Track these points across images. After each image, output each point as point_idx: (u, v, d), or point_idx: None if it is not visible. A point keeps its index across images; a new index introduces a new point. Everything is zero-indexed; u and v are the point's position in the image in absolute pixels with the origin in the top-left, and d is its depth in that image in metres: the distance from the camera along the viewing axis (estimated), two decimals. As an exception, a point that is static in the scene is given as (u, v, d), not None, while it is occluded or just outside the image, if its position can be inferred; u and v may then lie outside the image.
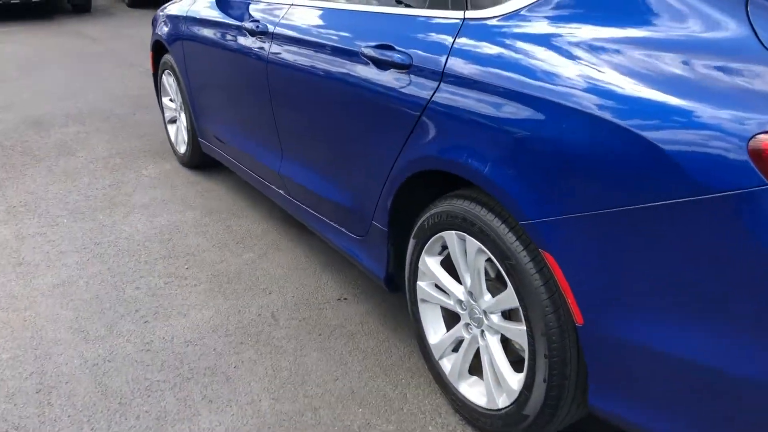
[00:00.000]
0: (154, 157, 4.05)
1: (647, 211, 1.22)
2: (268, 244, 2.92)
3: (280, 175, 2.59)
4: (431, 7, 1.77)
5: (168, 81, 3.78)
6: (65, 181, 3.70)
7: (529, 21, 1.48)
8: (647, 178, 1.21)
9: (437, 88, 1.64)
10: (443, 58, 1.64)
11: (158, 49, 3.80)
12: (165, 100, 3.93)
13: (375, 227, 2.04)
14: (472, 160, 1.55)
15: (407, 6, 1.87)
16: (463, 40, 1.61)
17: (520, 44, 1.47)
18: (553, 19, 1.44)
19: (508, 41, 1.50)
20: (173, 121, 3.93)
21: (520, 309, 1.55)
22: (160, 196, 3.47)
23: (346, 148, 2.09)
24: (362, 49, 1.90)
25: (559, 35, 1.41)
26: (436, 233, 1.77)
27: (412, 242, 1.89)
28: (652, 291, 1.26)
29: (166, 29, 3.54)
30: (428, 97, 1.67)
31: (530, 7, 1.50)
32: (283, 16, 2.38)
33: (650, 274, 1.25)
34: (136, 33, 8.65)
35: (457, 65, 1.59)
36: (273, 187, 2.73)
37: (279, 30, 2.36)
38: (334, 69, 2.04)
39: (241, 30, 2.63)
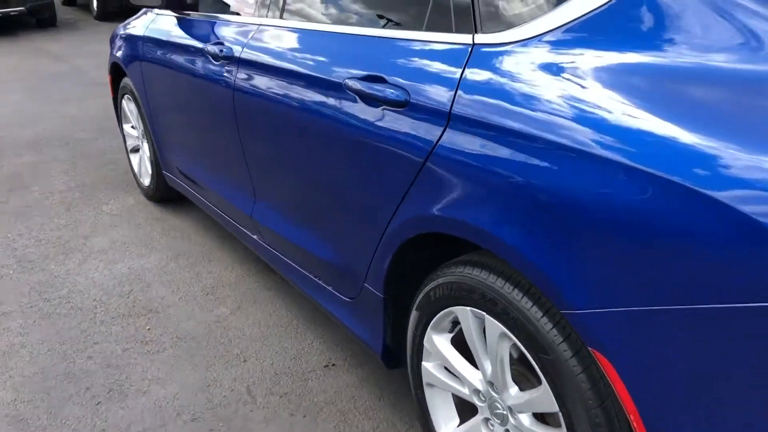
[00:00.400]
0: (116, 190, 3.67)
1: (745, 312, 0.89)
2: (242, 294, 2.56)
3: (252, 219, 2.24)
4: (431, 29, 1.43)
5: (128, 107, 3.41)
6: (15, 221, 3.31)
7: (557, 48, 1.15)
8: (744, 267, 0.88)
9: (443, 132, 1.31)
10: (450, 95, 1.30)
11: (117, 71, 3.43)
12: (126, 127, 3.56)
13: (368, 290, 1.70)
14: (493, 226, 1.21)
15: (400, 28, 1.53)
16: (474, 72, 1.27)
17: (548, 78, 1.14)
18: (590, 46, 1.11)
19: (532, 74, 1.17)
20: (136, 150, 3.56)
21: (560, 414, 1.21)
22: (121, 237, 3.09)
23: (329, 197, 1.75)
24: (346, 80, 1.56)
25: (602, 67, 1.08)
26: (446, 307, 1.43)
27: (414, 314, 1.55)
28: (755, 414, 0.93)
29: (123, 50, 3.18)
30: (432, 144, 1.33)
31: (557, 31, 1.17)
32: (250, 39, 2.03)
33: (750, 393, 0.92)
34: (103, 49, 8.20)
35: (468, 104, 1.26)
36: (246, 231, 2.38)
37: (246, 55, 2.01)
38: (311, 103, 1.70)
39: (204, 54, 2.28)
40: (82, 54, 7.99)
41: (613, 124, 1.02)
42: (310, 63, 1.73)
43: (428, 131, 1.34)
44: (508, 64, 1.22)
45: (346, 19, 1.72)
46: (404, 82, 1.41)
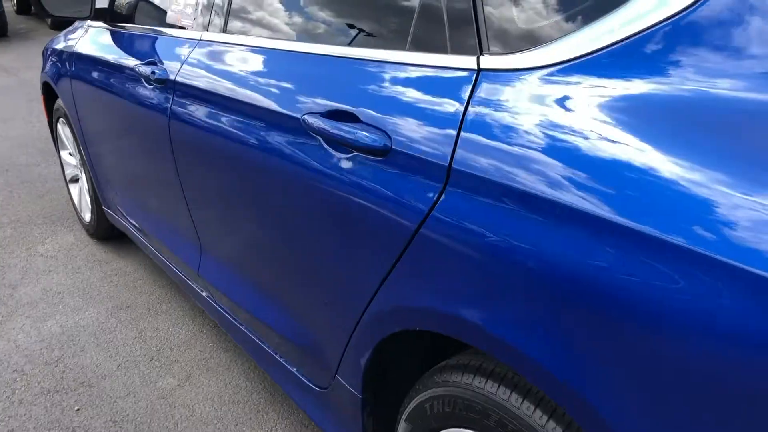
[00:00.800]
0: (55, 226, 3.23)
1: None
2: (193, 359, 2.15)
3: (199, 276, 1.84)
4: (417, 47, 1.05)
5: (64, 132, 2.98)
6: (-68, 268, 2.86)
7: (603, 79, 0.79)
8: None
9: (440, 194, 0.93)
10: (449, 141, 0.92)
11: (50, 91, 3.00)
12: (64, 154, 3.13)
13: (341, 384, 1.31)
14: (511, 332, 0.84)
15: (376, 46, 1.15)
16: (481, 109, 0.90)
17: (591, 124, 0.77)
18: (646, 75, 0.75)
19: (567, 117, 0.80)
20: (75, 180, 3.13)
21: None
22: (56, 285, 2.66)
23: (285, 262, 1.36)
24: (305, 116, 1.17)
25: (672, 110, 0.71)
26: (448, 428, 1.05)
27: (405, 427, 1.16)
28: None
29: (53, 68, 2.75)
30: (424, 211, 0.95)
31: (600, 56, 0.80)
32: (188, 58, 1.63)
33: None
34: (55, 60, 7.70)
35: (474, 154, 0.88)
36: (194, 286, 1.97)
37: (182, 78, 1.61)
38: (261, 143, 1.31)
39: (136, 74, 1.88)
40: (33, 66, 7.47)
41: (698, 202, 0.65)
42: (259, 90, 1.33)
43: (419, 193, 0.96)
44: (530, 99, 0.85)
45: (306, 35, 1.33)
46: (383, 120, 1.03)
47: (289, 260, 1.34)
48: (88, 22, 2.50)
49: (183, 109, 1.60)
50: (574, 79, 0.81)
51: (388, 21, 1.13)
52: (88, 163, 2.64)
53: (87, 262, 2.85)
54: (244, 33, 1.50)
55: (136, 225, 2.32)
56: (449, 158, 0.91)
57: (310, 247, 1.25)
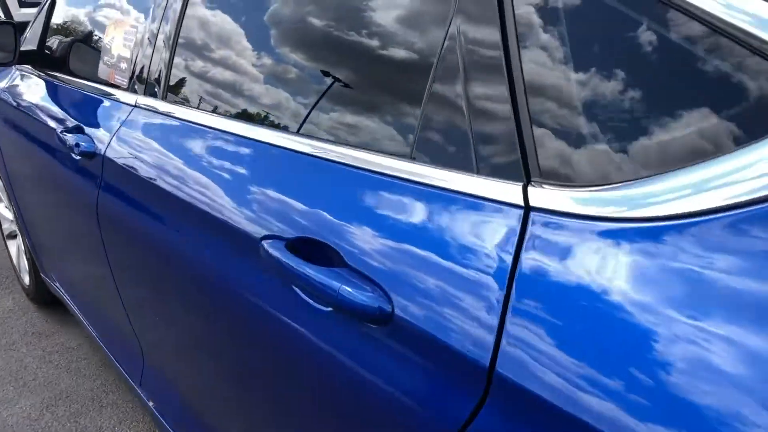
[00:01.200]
0: (-8, 286, 2.84)
1: None
2: (142, 472, 1.79)
3: (142, 389, 1.49)
4: (427, 156, 0.72)
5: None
6: None
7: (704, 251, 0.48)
8: None
9: (482, 405, 0.59)
10: (489, 322, 0.59)
11: (-19, 136, 2.62)
12: (0, 206, 2.75)
13: None
14: None
15: (372, 143, 0.81)
16: (538, 276, 0.57)
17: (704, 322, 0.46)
18: None
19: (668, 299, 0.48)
20: (13, 236, 2.75)
21: None
22: (-16, 367, 2.28)
23: (249, 415, 1.02)
24: (264, 241, 0.83)
25: None
26: None
27: None
28: None
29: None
30: (455, 427, 0.61)
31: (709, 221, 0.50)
32: (119, 130, 1.28)
33: None
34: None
35: (531, 352, 0.55)
36: (138, 391, 1.62)
37: (112, 154, 1.26)
38: (206, 259, 0.97)
39: (62, 142, 1.52)
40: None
41: None
42: (206, 187, 0.99)
43: (440, 396, 0.62)
44: (618, 267, 0.53)
45: (270, 119, 0.99)
46: (379, 269, 0.69)
47: (256, 415, 1.00)
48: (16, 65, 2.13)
49: (112, 193, 1.25)
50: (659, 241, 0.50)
51: (390, 113, 0.79)
52: (20, 222, 2.28)
53: (24, 335, 2.46)
54: (188, 102, 1.15)
55: (75, 306, 1.96)
56: (490, 355, 0.58)
57: (282, 408, 0.91)
